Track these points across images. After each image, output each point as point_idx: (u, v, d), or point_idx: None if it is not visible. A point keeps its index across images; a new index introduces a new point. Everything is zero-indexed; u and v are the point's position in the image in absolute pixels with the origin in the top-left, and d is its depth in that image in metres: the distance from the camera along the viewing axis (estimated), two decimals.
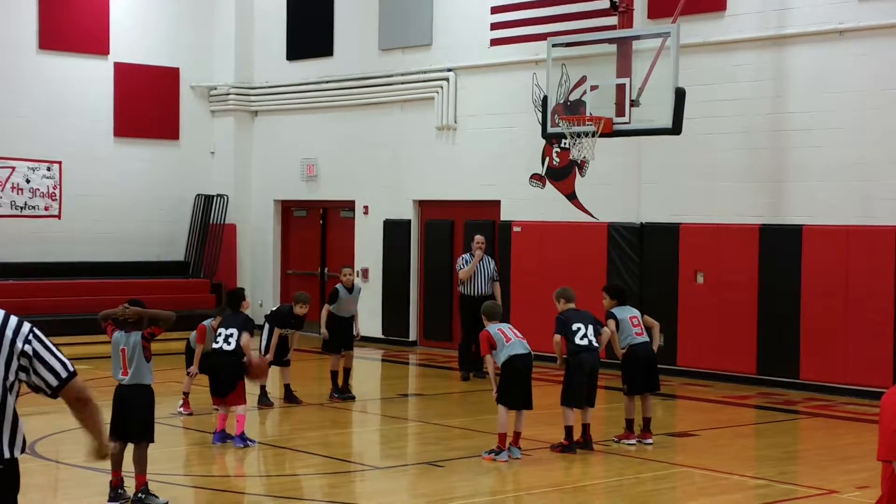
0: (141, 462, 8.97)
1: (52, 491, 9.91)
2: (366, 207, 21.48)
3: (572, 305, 11.63)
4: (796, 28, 15.86)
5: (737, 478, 10.46)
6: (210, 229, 22.91)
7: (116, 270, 21.97)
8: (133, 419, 8.99)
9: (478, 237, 16.88)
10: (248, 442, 11.41)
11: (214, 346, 11.68)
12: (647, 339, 11.96)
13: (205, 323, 12.78)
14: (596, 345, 11.44)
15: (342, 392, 14.52)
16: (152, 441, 9.07)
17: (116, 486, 9.05)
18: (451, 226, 20.09)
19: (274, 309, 14.95)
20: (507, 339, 10.94)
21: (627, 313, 11.98)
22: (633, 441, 11.76)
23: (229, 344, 11.46)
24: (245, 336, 11.47)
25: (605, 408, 14.08)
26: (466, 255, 16.96)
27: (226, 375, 11.41)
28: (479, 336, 11.22)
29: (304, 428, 12.86)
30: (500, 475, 10.62)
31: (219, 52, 23.45)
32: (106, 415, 9.11)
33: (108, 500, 9.03)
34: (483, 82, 19.56)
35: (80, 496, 9.73)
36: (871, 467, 4.30)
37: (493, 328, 11.09)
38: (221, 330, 11.64)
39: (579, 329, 11.37)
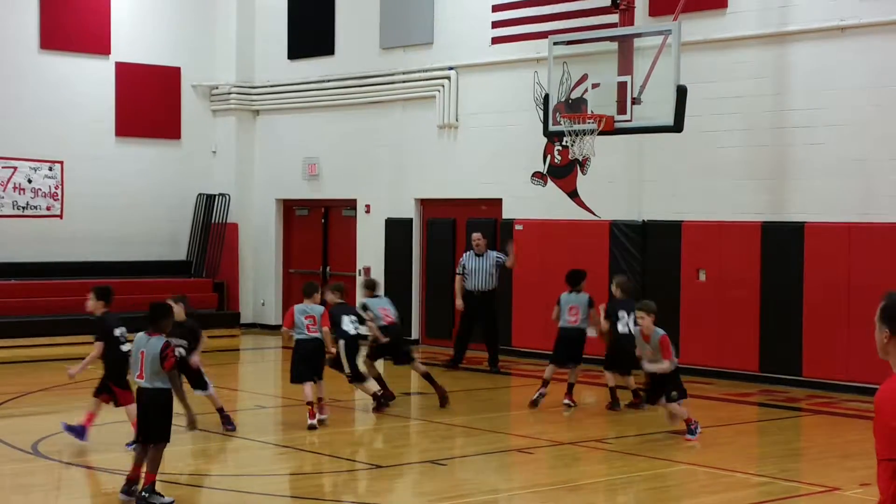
0: (154, 462, 8.99)
1: (55, 491, 9.92)
2: (367, 206, 21.49)
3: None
4: (798, 25, 15.86)
5: (739, 475, 10.46)
6: (212, 228, 22.92)
7: (118, 270, 21.97)
8: (150, 421, 9.04)
9: (475, 234, 17.52)
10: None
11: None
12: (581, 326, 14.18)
13: None
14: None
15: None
16: (167, 441, 9.09)
17: (132, 480, 9.08)
18: (452, 224, 20.10)
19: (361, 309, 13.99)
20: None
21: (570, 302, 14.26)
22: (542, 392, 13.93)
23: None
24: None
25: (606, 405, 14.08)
26: (469, 253, 17.45)
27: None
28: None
29: (306, 427, 12.85)
30: (502, 473, 10.64)
31: (220, 51, 23.45)
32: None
33: (121, 492, 9.07)
34: (484, 81, 19.56)
35: (83, 496, 9.75)
36: (874, 464, 4.29)
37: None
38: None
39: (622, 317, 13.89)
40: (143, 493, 8.90)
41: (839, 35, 15.50)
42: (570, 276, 14.44)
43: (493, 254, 17.38)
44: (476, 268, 17.25)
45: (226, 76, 23.38)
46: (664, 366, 12.07)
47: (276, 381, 15.62)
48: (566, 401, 13.99)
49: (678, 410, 12.13)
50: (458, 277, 17.50)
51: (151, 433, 9.03)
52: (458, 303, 17.44)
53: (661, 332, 12.22)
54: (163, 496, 8.96)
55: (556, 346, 14.32)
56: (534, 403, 13.85)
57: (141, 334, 9.09)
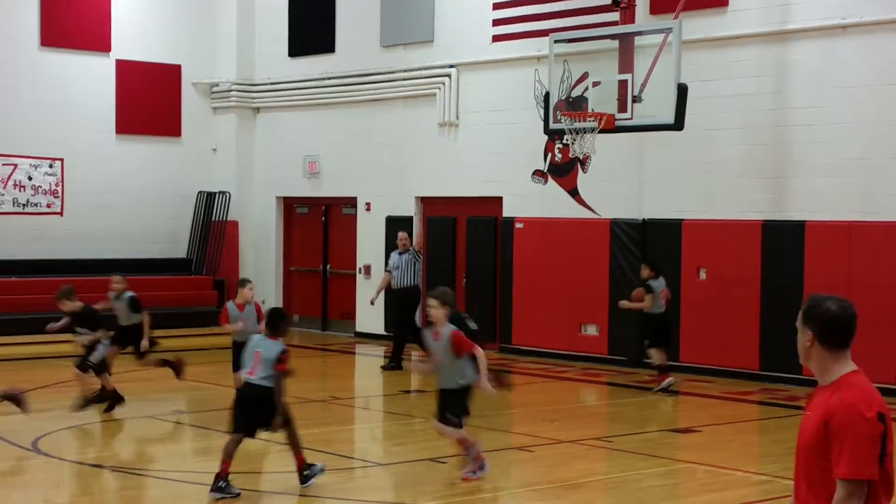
0: (294, 443, 9.67)
1: (56, 489, 9.91)
2: (368, 204, 21.48)
3: None
4: (798, 23, 15.85)
5: (740, 474, 10.46)
6: (212, 226, 22.91)
7: (118, 267, 21.77)
8: (249, 413, 9.53)
9: (400, 233, 17.96)
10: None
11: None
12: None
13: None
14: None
15: None
16: (271, 429, 9.65)
17: (222, 476, 9.32)
18: (453, 222, 20.08)
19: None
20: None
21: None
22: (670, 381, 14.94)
23: None
24: None
25: (607, 404, 14.07)
26: (395, 253, 17.81)
27: None
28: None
29: (306, 425, 12.81)
30: (502, 472, 10.62)
31: (221, 48, 23.44)
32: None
33: (210, 490, 9.31)
34: (485, 79, 19.55)
35: (83, 494, 9.74)
36: None
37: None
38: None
39: None
40: (304, 472, 9.59)
41: (840, 33, 15.49)
42: (653, 264, 15.37)
43: (412, 249, 17.69)
44: (398, 265, 17.62)
45: (226, 74, 23.37)
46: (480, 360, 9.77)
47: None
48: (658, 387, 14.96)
49: (455, 434, 9.98)
50: (385, 274, 18.06)
51: (245, 425, 9.54)
52: (373, 297, 18.21)
53: (451, 327, 9.99)
54: (315, 471, 9.62)
55: (655, 331, 15.21)
56: (665, 391, 14.87)
57: (259, 336, 9.74)
